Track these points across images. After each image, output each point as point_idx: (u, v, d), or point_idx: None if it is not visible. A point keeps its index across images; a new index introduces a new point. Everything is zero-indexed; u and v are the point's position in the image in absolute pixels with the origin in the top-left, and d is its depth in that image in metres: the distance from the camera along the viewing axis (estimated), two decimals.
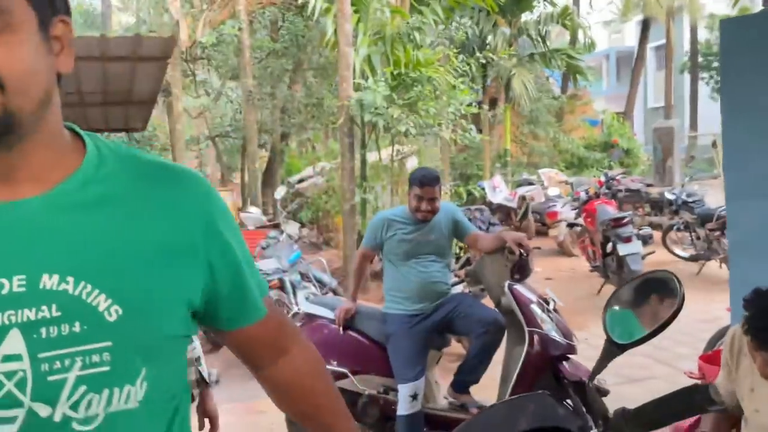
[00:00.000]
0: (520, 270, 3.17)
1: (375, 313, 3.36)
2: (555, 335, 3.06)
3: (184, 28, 7.62)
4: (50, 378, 0.65)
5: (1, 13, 0.64)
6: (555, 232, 9.13)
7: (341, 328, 3.29)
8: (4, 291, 0.65)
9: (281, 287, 5.07)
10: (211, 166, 12.09)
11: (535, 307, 3.09)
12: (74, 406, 0.67)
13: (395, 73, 6.51)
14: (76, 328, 0.67)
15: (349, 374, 3.17)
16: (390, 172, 7.28)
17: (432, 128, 6.65)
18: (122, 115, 8.76)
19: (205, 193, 0.81)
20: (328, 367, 3.21)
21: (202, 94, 9.95)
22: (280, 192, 6.26)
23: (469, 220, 8.52)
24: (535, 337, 3.01)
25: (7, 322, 0.65)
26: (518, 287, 3.13)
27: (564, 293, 7.00)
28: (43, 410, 0.65)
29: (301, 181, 10.78)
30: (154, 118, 11.00)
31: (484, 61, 7.84)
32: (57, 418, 0.66)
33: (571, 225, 9.07)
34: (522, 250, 3.00)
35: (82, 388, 0.66)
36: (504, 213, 11.71)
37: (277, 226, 6.30)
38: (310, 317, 3.45)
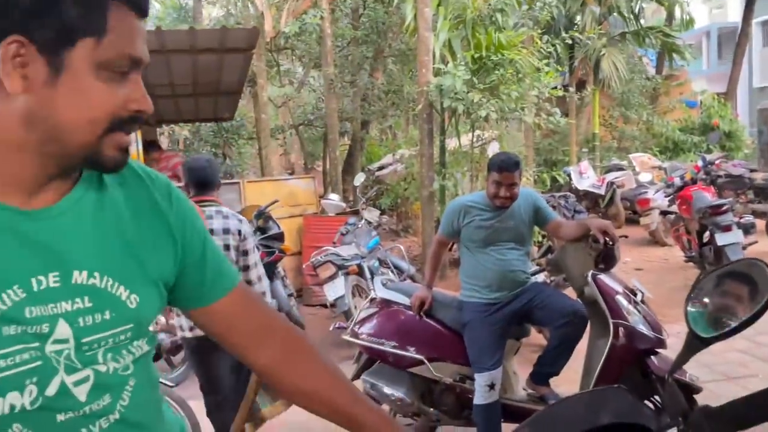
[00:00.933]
0: (606, 259, 3.03)
1: (451, 300, 3.31)
2: (642, 328, 2.91)
3: (268, 19, 7.79)
4: (87, 353, 0.81)
5: None
6: (647, 220, 8.67)
7: (417, 315, 3.27)
8: (42, 286, 0.77)
9: (359, 273, 5.11)
10: (295, 154, 12.36)
11: (620, 298, 2.94)
12: (99, 367, 0.83)
13: (476, 56, 6.36)
14: (107, 315, 0.82)
15: (425, 361, 3.15)
16: (470, 159, 7.14)
17: (514, 113, 6.45)
18: (211, 106, 9.10)
19: (168, 187, 0.96)
20: (404, 353, 3.22)
21: (286, 83, 10.15)
22: (359, 179, 6.29)
23: (553, 207, 8.30)
24: (621, 330, 2.88)
25: (52, 313, 0.77)
26: (603, 277, 3.00)
27: (655, 285, 6.67)
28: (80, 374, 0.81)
29: (381, 168, 10.82)
30: (241, 107, 11.40)
31: (570, 42, 7.48)
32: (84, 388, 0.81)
33: (664, 213, 8.57)
34: (607, 239, 2.85)
35: (109, 356, 0.83)
36: (591, 200, 11.28)
37: (356, 213, 6.34)
38: (386, 303, 3.44)
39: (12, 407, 0.74)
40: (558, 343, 2.97)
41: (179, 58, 6.38)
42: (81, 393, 0.80)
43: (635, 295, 3.01)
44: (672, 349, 3.06)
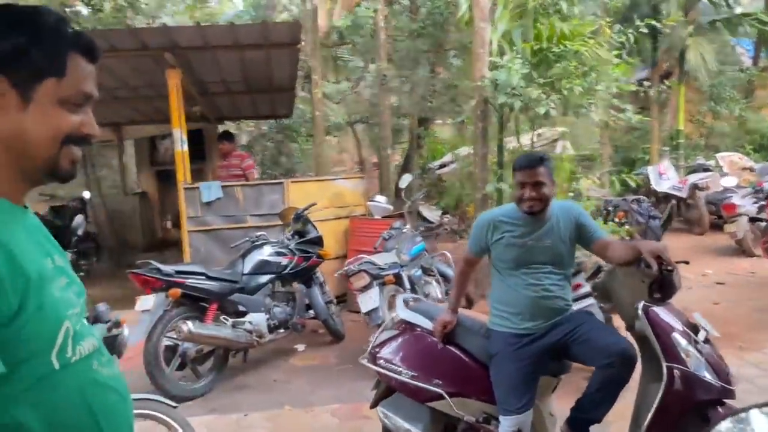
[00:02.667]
0: (662, 287, 2.53)
1: (480, 328, 2.90)
2: (705, 374, 2.40)
3: (321, 14, 7.55)
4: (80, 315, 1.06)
5: None
6: (732, 228, 7.79)
7: (440, 342, 2.88)
8: (51, 265, 1.02)
9: (398, 282, 4.76)
10: (352, 153, 12.08)
11: (677, 336, 2.44)
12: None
13: (536, 48, 5.83)
14: (76, 289, 1.07)
15: (446, 395, 2.76)
16: None
17: (579, 109, 5.88)
18: (268, 103, 9.01)
19: None
20: (423, 384, 2.85)
21: (342, 79, 9.89)
22: (405, 180, 5.89)
23: (624, 212, 7.64)
24: (676, 374, 2.38)
25: (64, 284, 1.03)
26: (657, 310, 2.50)
27: (737, 302, 5.91)
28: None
29: (442, 166, 10.38)
30: (304, 104, 11.26)
31: (646, 31, 6.78)
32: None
33: (753, 220, 7.70)
34: (662, 265, 2.37)
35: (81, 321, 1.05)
36: (670, 204, 10.41)
37: (402, 216, 5.97)
38: (408, 326, 3.08)
39: (92, 345, 1.05)
40: (599, 386, 2.50)
41: (226, 55, 6.25)
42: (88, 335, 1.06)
43: (697, 332, 2.49)
44: (754, 384, 2.51)
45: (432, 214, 8.33)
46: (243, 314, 4.63)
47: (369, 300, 4.50)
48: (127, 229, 9.75)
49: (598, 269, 3.48)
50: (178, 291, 4.20)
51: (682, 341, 2.44)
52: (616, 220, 7.20)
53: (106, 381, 1.06)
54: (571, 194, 6.32)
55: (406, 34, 8.14)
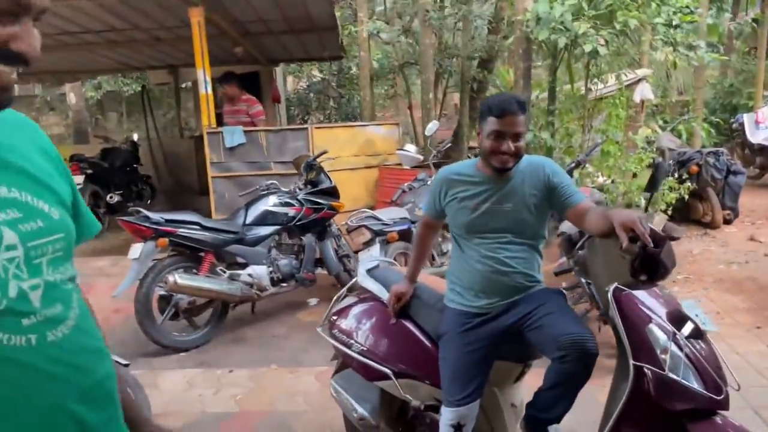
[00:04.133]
0: (647, 266, 2.02)
1: (436, 301, 2.50)
2: (690, 380, 1.90)
3: None
4: (34, 262, 0.90)
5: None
6: None
7: (393, 315, 2.53)
8: None
9: (407, 239, 4.38)
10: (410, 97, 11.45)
11: (655, 330, 1.95)
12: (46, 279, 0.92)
13: None
14: (40, 223, 0.92)
15: (392, 376, 2.42)
16: (583, 105, 5.88)
17: (629, 47, 5.10)
18: (317, 43, 8.64)
19: (42, 134, 1.06)
20: (369, 362, 2.52)
21: (392, 17, 9.23)
22: (431, 128, 5.37)
23: (698, 166, 6.73)
24: (646, 377, 1.91)
25: None
26: (634, 294, 2.01)
27: None
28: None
29: None
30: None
31: None
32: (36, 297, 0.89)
33: None
34: (634, 241, 1.86)
35: (51, 268, 0.93)
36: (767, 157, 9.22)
37: (427, 168, 5.52)
38: (368, 293, 2.74)
39: None
40: (553, 383, 2.05)
41: None
42: (35, 299, 0.88)
43: (682, 324, 1.97)
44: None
45: None
46: (244, 266, 4.45)
47: (369, 258, 4.16)
48: (183, 171, 9.86)
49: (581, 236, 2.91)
50: (166, 240, 4.05)
51: (660, 336, 1.94)
52: (686, 175, 6.35)
53: (4, 354, 0.83)
54: (624, 144, 5.61)
55: None
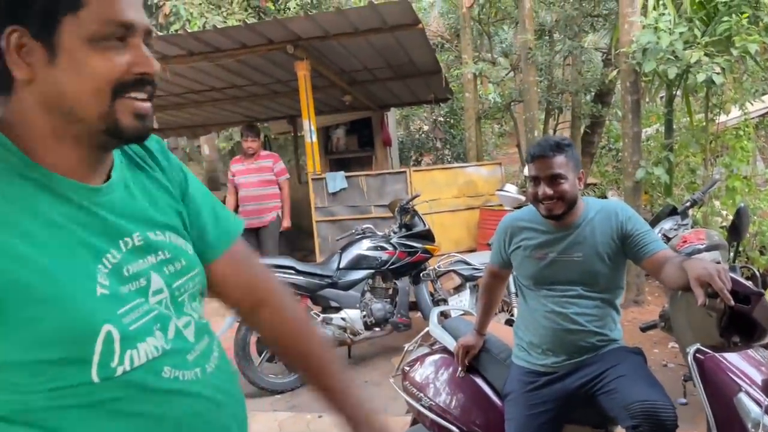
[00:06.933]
0: (739, 325, 1.77)
1: (506, 356, 2.35)
2: None
3: None
4: (178, 300, 0.93)
5: None
6: None
7: (461, 369, 2.41)
8: (129, 246, 0.87)
9: None
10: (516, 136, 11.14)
11: (744, 400, 1.69)
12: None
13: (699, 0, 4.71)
14: (182, 262, 0.95)
15: None
16: (705, 137, 5.39)
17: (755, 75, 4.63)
18: (423, 86, 8.77)
19: (166, 152, 1.05)
20: (437, 418, 2.40)
21: (498, 56, 9.09)
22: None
23: None
24: None
25: (143, 268, 0.88)
26: (721, 358, 1.76)
27: None
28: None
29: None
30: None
31: None
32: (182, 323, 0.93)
33: None
34: (711, 297, 1.64)
35: (192, 304, 0.97)
36: None
37: None
38: (438, 344, 2.65)
39: (156, 348, 0.85)
40: None
41: (352, 42, 6.12)
42: (190, 335, 0.93)
43: None
44: None
45: None
46: (337, 310, 4.50)
47: (459, 304, 4.05)
48: (301, 214, 10.28)
49: None
50: None
51: (752, 407, 1.68)
52: None
53: (183, 388, 0.87)
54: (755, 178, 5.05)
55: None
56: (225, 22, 8.82)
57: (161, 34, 7.00)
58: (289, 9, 10.43)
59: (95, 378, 0.78)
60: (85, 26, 0.79)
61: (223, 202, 8.27)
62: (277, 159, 6.04)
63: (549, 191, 2.02)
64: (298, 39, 5.74)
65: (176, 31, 7.91)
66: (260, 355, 4.31)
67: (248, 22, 5.87)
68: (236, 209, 5.93)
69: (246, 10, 10.09)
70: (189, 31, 5.77)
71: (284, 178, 6.03)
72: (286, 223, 6.09)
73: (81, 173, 0.85)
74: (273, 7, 10.47)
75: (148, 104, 0.86)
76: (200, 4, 8.94)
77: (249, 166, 5.91)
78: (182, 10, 8.53)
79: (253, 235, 5.92)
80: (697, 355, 1.78)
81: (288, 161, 12.65)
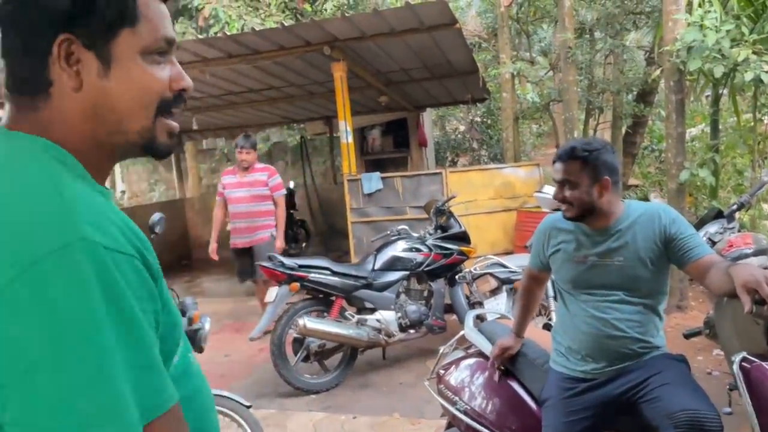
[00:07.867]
0: None
1: (544, 361, 2.31)
2: None
3: None
4: None
5: None
6: None
7: (497, 373, 2.38)
8: None
9: None
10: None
11: None
12: None
13: None
14: None
15: None
16: (753, 138, 5.21)
17: None
18: (460, 86, 8.72)
19: None
20: (472, 422, 2.38)
21: (537, 55, 8.96)
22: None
23: None
24: None
25: None
26: (766, 367, 1.69)
27: None
28: None
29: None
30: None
31: None
32: None
33: None
34: (759, 303, 1.57)
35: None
36: None
37: None
38: (473, 347, 2.62)
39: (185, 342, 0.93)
40: None
41: (388, 42, 6.12)
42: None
43: None
44: None
45: None
46: (373, 311, 4.50)
47: (496, 307, 4.00)
48: (336, 215, 10.34)
49: None
50: (297, 285, 4.23)
51: None
52: None
53: (195, 371, 0.96)
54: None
55: None
56: (263, 24, 8.93)
57: (201, 37, 7.12)
58: (326, 10, 10.51)
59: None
60: (141, 40, 0.81)
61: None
62: (273, 173, 5.58)
63: (559, 194, 2.02)
64: (334, 40, 5.76)
65: (215, 33, 8.05)
66: (296, 355, 4.34)
67: (286, 23, 5.89)
68: (225, 225, 5.61)
69: (283, 11, 10.21)
70: (228, 33, 5.83)
71: (280, 194, 5.54)
72: (280, 243, 5.48)
73: (101, 183, 0.86)
74: (310, 9, 10.56)
75: (176, 123, 0.87)
76: (239, 6, 9.08)
77: (242, 179, 5.49)
78: (221, 13, 8.68)
79: (247, 254, 5.53)
80: (743, 363, 1.72)
81: (324, 162, 12.77)
